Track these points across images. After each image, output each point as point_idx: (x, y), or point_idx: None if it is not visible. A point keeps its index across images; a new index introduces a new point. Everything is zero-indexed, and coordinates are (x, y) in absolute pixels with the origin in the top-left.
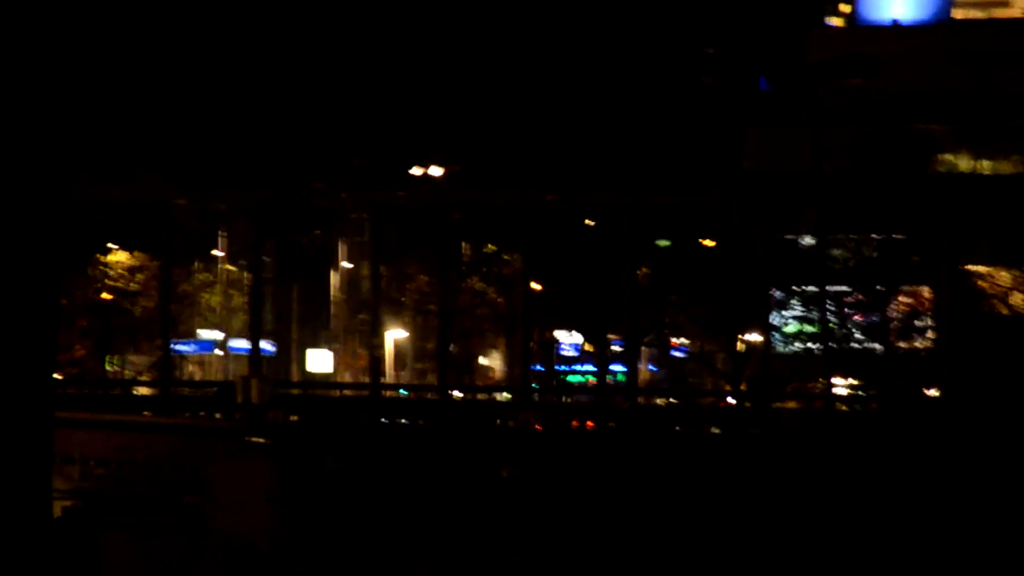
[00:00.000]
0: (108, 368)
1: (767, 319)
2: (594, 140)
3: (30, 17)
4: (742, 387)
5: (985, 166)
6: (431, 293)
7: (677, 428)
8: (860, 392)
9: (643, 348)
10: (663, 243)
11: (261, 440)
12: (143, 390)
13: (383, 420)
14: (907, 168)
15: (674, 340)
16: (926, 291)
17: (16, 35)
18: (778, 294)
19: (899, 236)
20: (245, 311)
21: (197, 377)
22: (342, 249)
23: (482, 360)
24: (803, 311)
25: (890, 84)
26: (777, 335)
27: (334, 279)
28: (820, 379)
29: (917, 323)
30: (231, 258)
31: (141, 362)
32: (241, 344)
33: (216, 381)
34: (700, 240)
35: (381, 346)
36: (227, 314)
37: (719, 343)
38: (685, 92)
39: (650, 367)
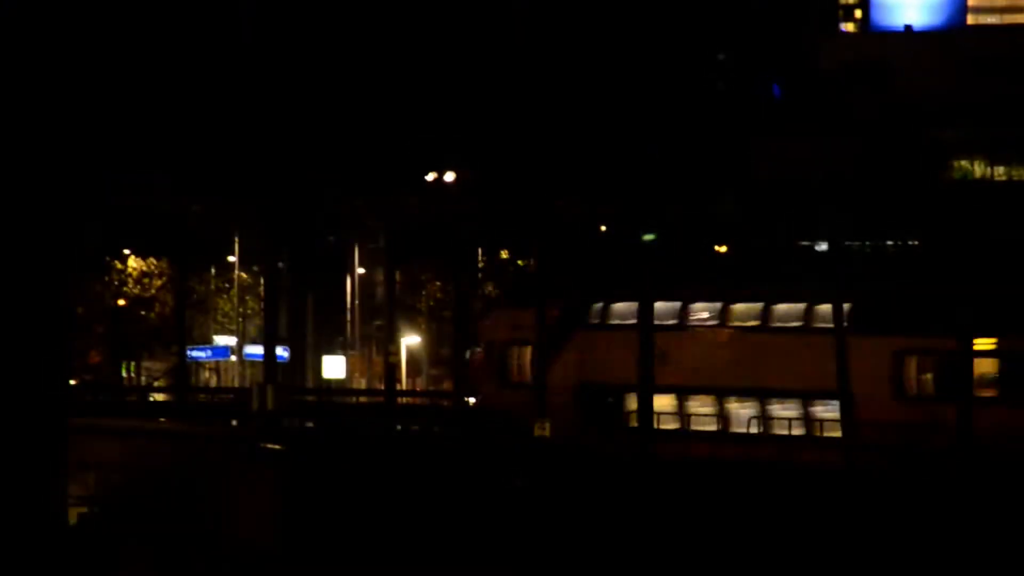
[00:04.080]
0: (123, 374)
1: None
2: (605, 147)
3: (49, 28)
4: None
5: (1000, 172)
6: (445, 299)
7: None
8: None
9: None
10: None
11: (276, 447)
12: (158, 396)
13: (397, 427)
14: (920, 175)
15: None
16: None
17: (38, 46)
18: None
19: (912, 243)
20: (260, 317)
21: (212, 383)
22: (357, 255)
23: None
24: None
25: (903, 90)
26: None
27: (349, 285)
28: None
29: None
30: (246, 264)
31: (156, 368)
32: (256, 350)
33: (231, 388)
34: (713, 247)
35: (396, 352)
36: (242, 320)
37: None
38: (697, 99)
39: None
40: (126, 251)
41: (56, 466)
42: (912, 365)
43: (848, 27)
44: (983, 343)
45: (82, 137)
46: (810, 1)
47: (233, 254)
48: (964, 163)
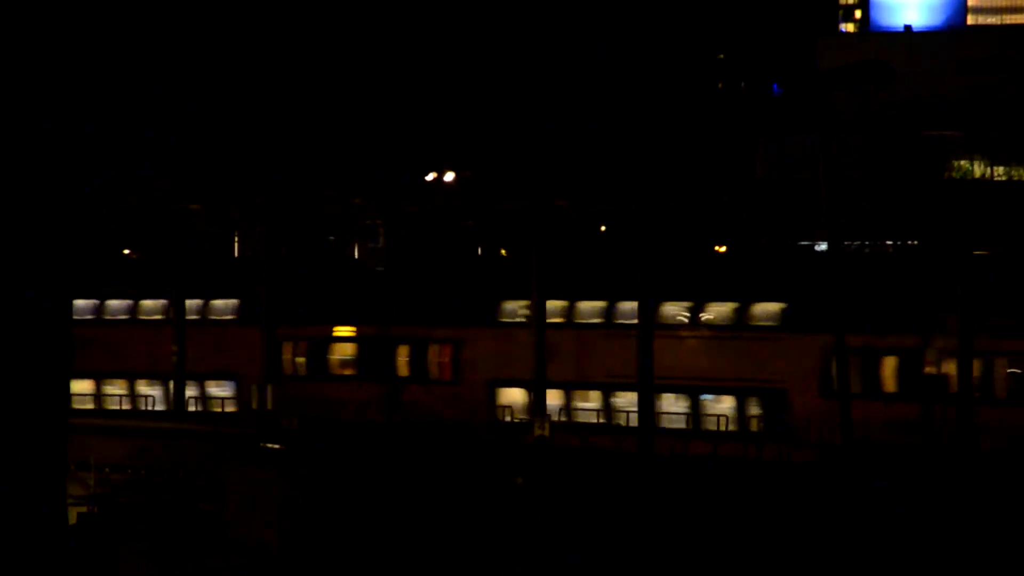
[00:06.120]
0: None
1: None
2: (607, 147)
3: (50, 30)
4: None
5: (999, 172)
6: None
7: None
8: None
9: None
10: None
11: (276, 446)
12: None
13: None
14: (920, 174)
15: None
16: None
17: (37, 48)
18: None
19: (912, 242)
20: None
21: None
22: (356, 255)
23: None
24: None
25: (903, 90)
26: None
27: None
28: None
29: None
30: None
31: None
32: None
33: None
34: (714, 246)
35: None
36: None
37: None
38: (698, 99)
39: None
40: (125, 251)
41: (56, 465)
42: (287, 349)
43: (848, 27)
44: (342, 330)
45: (83, 138)
46: (810, 1)
47: (232, 253)
48: (964, 163)
